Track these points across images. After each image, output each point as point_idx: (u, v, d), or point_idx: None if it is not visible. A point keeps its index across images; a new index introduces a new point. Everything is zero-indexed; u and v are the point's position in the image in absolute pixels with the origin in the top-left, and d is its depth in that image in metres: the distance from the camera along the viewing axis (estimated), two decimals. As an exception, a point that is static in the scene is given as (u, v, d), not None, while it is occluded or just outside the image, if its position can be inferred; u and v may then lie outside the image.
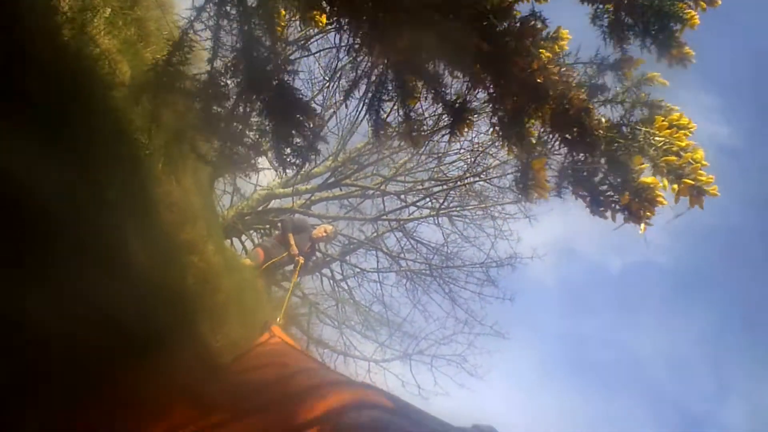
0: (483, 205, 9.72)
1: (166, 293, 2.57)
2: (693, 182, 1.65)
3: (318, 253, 9.93)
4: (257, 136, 2.33)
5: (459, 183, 9.22)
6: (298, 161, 2.27)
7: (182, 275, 3.07)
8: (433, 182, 9.71)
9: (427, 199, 9.81)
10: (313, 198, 10.66)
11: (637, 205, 1.69)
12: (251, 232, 11.12)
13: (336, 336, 10.85)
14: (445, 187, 9.32)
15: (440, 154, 10.13)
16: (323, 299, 11.20)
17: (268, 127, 2.21)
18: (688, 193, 1.66)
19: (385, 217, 9.76)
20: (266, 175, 11.61)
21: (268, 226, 10.73)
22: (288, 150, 2.20)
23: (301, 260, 6.86)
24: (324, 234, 7.41)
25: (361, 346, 10.84)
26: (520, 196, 2.00)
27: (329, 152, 10.66)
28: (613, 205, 1.77)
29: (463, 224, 10.32)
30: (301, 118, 2.12)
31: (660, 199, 1.70)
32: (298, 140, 2.19)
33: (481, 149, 9.65)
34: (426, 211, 10.02)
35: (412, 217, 9.94)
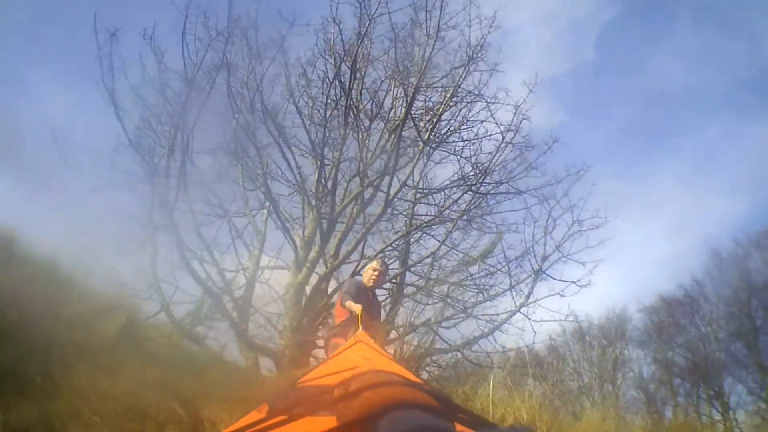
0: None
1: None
2: None
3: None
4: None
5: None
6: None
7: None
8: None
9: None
10: (332, 262, 9.50)
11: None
12: (318, 333, 9.85)
13: (473, 325, 9.66)
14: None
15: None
16: (432, 312, 9.97)
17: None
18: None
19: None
20: (272, 276, 10.30)
21: (325, 315, 9.50)
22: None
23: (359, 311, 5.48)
24: (375, 273, 6.08)
25: (501, 306, 9.75)
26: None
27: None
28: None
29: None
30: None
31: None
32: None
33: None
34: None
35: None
